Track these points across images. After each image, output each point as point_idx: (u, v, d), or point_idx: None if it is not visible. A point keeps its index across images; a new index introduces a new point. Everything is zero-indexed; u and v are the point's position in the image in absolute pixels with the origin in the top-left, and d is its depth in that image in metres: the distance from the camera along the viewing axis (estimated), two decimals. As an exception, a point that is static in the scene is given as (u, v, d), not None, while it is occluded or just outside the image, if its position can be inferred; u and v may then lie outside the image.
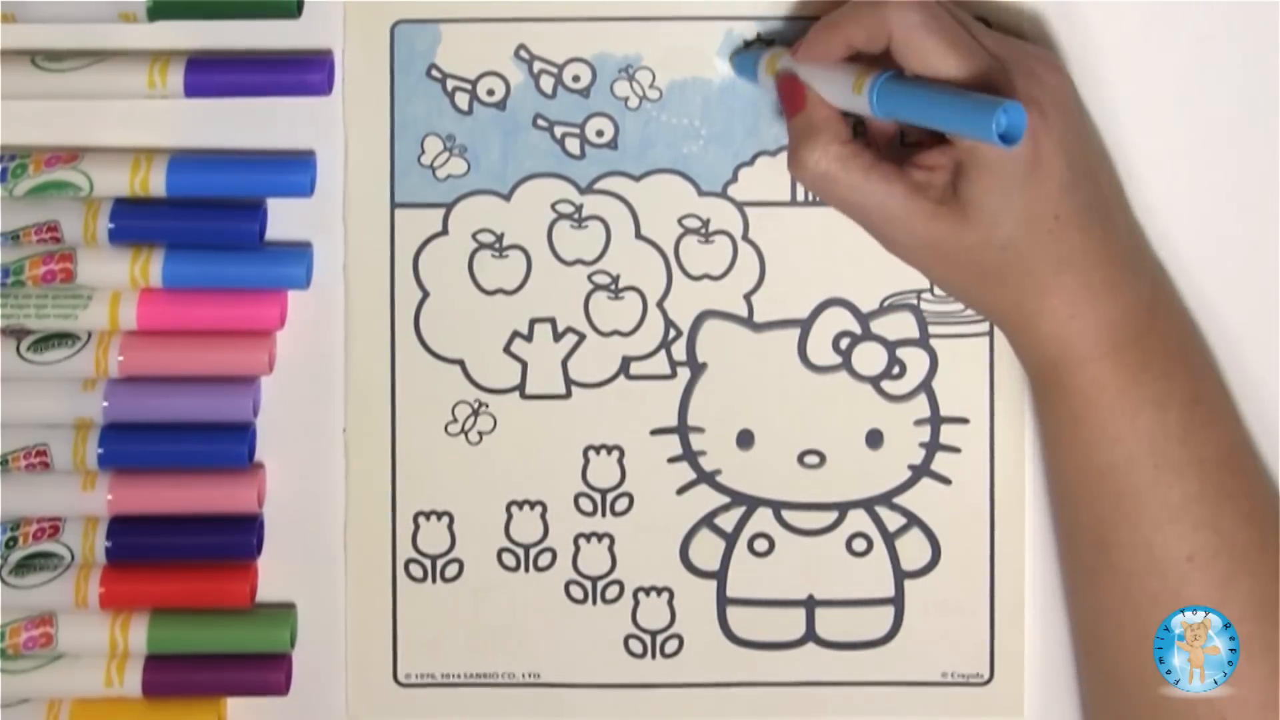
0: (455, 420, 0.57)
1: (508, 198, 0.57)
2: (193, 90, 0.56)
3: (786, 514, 0.57)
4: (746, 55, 0.56)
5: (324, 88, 0.56)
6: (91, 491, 0.56)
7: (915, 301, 0.57)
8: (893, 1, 0.51)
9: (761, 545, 0.58)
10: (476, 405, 0.57)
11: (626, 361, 0.57)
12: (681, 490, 0.57)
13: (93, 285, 0.56)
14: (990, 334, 0.57)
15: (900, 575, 0.57)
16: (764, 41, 0.57)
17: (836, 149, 0.52)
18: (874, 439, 0.57)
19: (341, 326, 0.57)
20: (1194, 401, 0.53)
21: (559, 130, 0.57)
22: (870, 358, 0.57)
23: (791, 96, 0.53)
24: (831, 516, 0.57)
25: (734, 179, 0.57)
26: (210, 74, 0.56)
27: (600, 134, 0.57)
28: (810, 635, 0.58)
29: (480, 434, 0.57)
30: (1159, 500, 0.52)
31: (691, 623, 0.57)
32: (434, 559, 0.57)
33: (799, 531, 0.57)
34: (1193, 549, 0.52)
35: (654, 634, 0.58)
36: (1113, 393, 0.52)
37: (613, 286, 0.57)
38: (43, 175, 0.56)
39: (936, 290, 0.57)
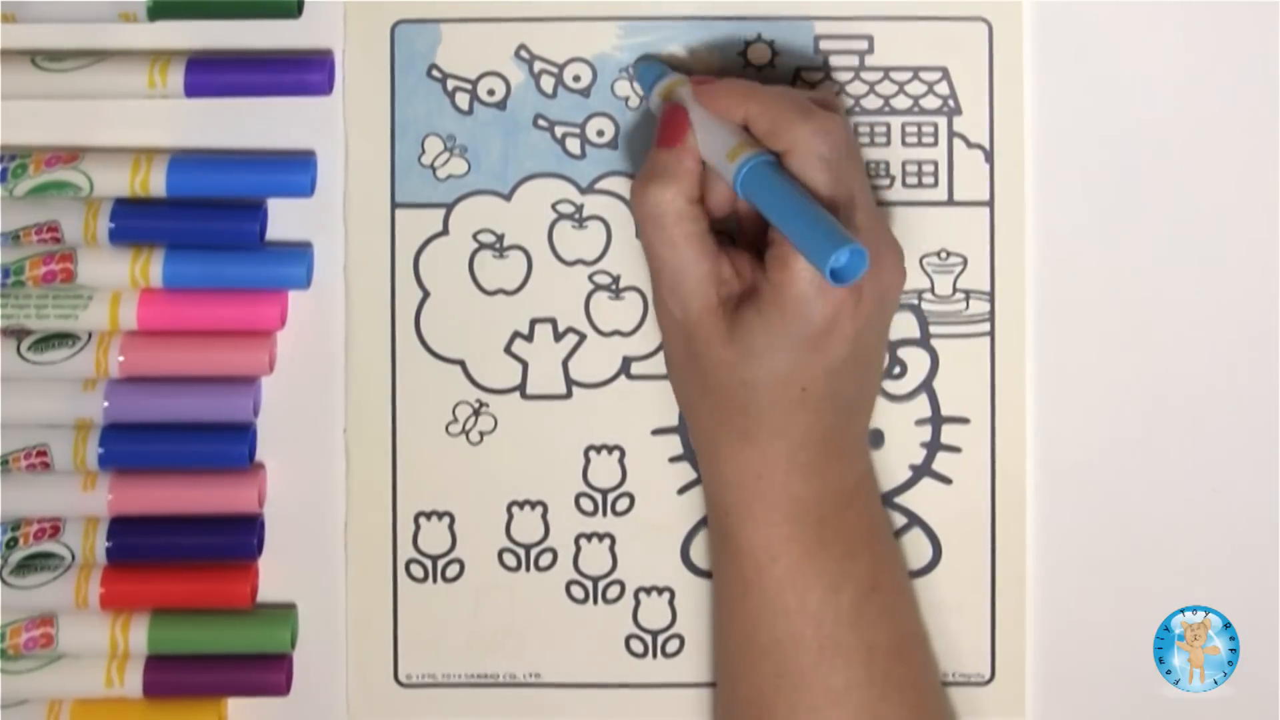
0: (456, 420, 0.57)
1: (508, 198, 0.57)
2: (193, 90, 0.56)
3: (787, 514, 0.57)
4: (650, 67, 0.56)
5: (324, 88, 0.56)
6: (92, 492, 0.56)
7: (916, 301, 0.57)
8: (815, 120, 0.50)
9: (762, 545, 0.58)
10: (477, 405, 0.57)
11: (627, 361, 0.57)
12: (683, 490, 0.57)
13: (93, 285, 0.56)
14: (991, 334, 0.57)
15: (901, 575, 0.57)
16: (669, 64, 0.56)
17: (681, 203, 0.51)
18: (875, 439, 0.57)
19: (342, 326, 0.57)
20: (870, 589, 0.53)
21: (559, 130, 0.57)
22: (871, 358, 0.57)
23: (672, 130, 0.52)
24: (832, 516, 0.57)
25: (735, 179, 0.57)
26: (210, 74, 0.56)
27: (601, 134, 0.57)
28: (811, 635, 0.58)
29: (481, 434, 0.57)
30: (821, 683, 0.52)
31: (693, 623, 0.57)
32: (435, 559, 0.57)
33: (800, 531, 0.57)
34: None
35: (655, 634, 0.58)
36: (784, 565, 0.52)
37: (613, 286, 0.57)
38: (43, 175, 0.56)
39: (938, 290, 0.57)
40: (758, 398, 0.51)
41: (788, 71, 0.57)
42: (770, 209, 0.49)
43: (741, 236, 0.54)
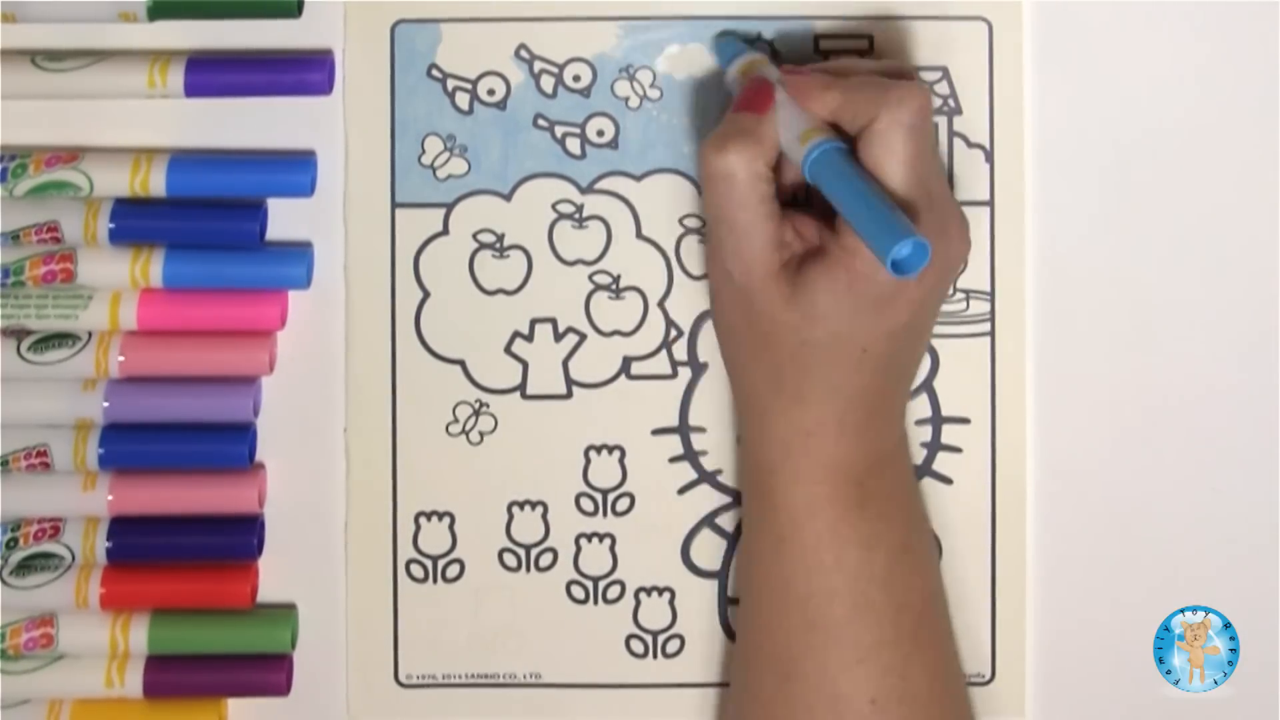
0: (456, 420, 0.57)
1: (508, 198, 0.57)
2: (193, 90, 0.56)
3: (787, 514, 0.57)
4: (729, 43, 0.56)
5: (324, 88, 0.56)
6: (92, 492, 0.56)
7: (916, 301, 0.57)
8: (895, 93, 0.50)
9: (762, 545, 0.58)
10: (477, 405, 0.57)
11: (627, 361, 0.57)
12: (683, 490, 0.57)
13: (93, 285, 0.56)
14: (992, 335, 0.57)
15: (901, 575, 0.57)
16: (750, 41, 0.56)
17: (758, 167, 0.51)
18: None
19: (342, 326, 0.57)
20: (903, 549, 0.53)
21: (559, 130, 0.57)
22: (871, 358, 0.57)
23: (759, 100, 0.52)
24: (832, 516, 0.57)
25: (735, 179, 0.57)
26: (210, 74, 0.56)
27: (601, 134, 0.57)
28: (811, 635, 0.58)
29: (481, 434, 0.57)
30: (852, 639, 0.52)
31: (693, 623, 0.57)
32: (435, 559, 0.57)
33: (800, 531, 0.57)
34: (877, 692, 0.52)
35: (655, 634, 0.58)
36: (823, 522, 0.52)
37: (614, 286, 0.57)
38: (43, 175, 0.56)
39: (938, 290, 0.57)
40: (818, 358, 0.51)
41: (788, 71, 0.57)
42: (836, 195, 0.50)
43: (810, 201, 0.54)
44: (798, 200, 0.53)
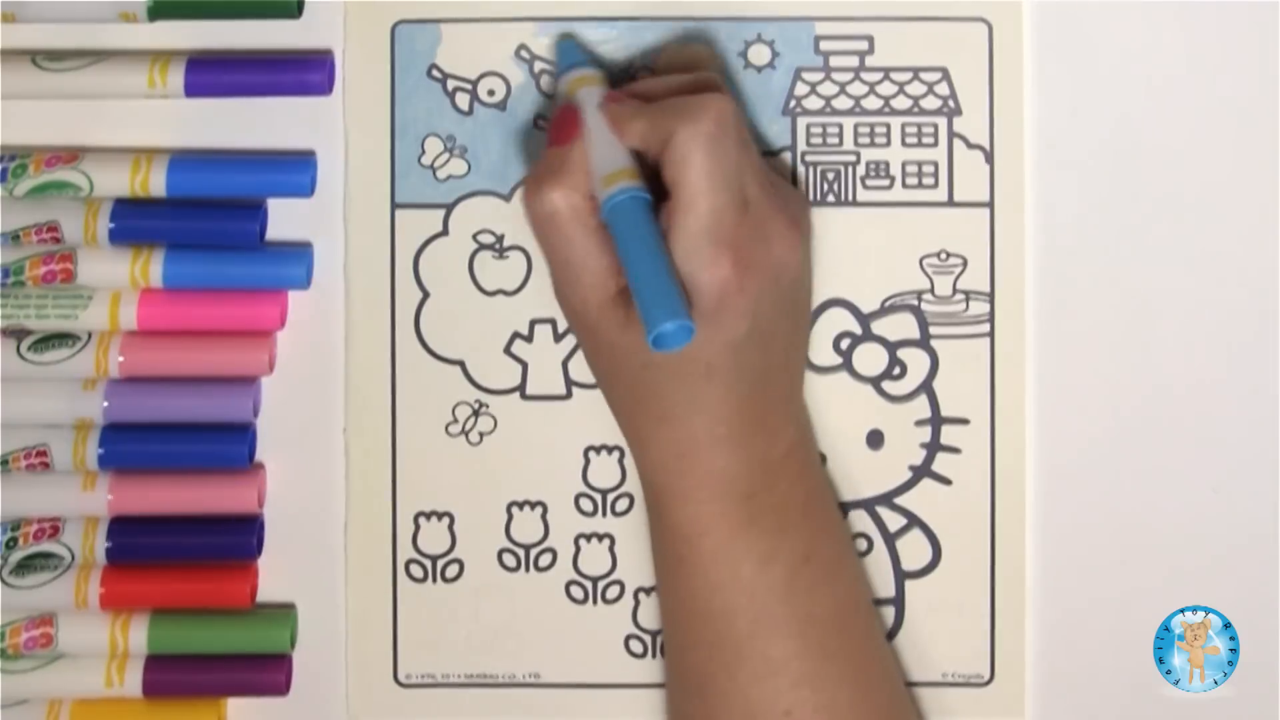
0: (455, 421, 0.57)
1: (508, 198, 0.57)
2: (193, 90, 0.56)
3: (787, 514, 0.57)
4: (569, 49, 0.56)
5: (324, 88, 0.56)
6: (91, 491, 0.56)
7: (916, 302, 0.57)
8: (684, 115, 0.50)
9: (762, 545, 0.58)
10: (477, 406, 0.57)
11: (627, 362, 0.57)
12: (682, 490, 0.57)
13: (93, 285, 0.56)
14: (991, 335, 0.57)
15: (901, 575, 0.57)
16: (589, 55, 0.56)
17: (576, 198, 0.51)
18: (874, 439, 0.57)
19: (341, 327, 0.57)
20: (803, 560, 0.53)
21: (559, 130, 0.57)
22: (871, 358, 0.57)
23: (563, 130, 0.52)
24: (832, 517, 0.57)
25: (734, 179, 0.57)
26: (210, 74, 0.56)
27: (601, 134, 0.57)
28: (811, 635, 0.58)
29: (481, 434, 0.57)
30: (758, 654, 0.52)
31: (692, 623, 0.57)
32: (434, 559, 0.57)
33: (799, 532, 0.57)
34: (790, 704, 0.52)
35: (655, 634, 0.57)
36: (714, 540, 0.52)
37: (613, 287, 0.57)
38: (43, 175, 0.56)
39: (938, 291, 0.57)
40: (664, 378, 0.51)
41: (788, 71, 0.57)
42: (622, 246, 0.50)
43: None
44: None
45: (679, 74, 0.54)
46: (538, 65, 0.57)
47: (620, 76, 0.57)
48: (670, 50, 0.56)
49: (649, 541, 0.57)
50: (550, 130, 0.53)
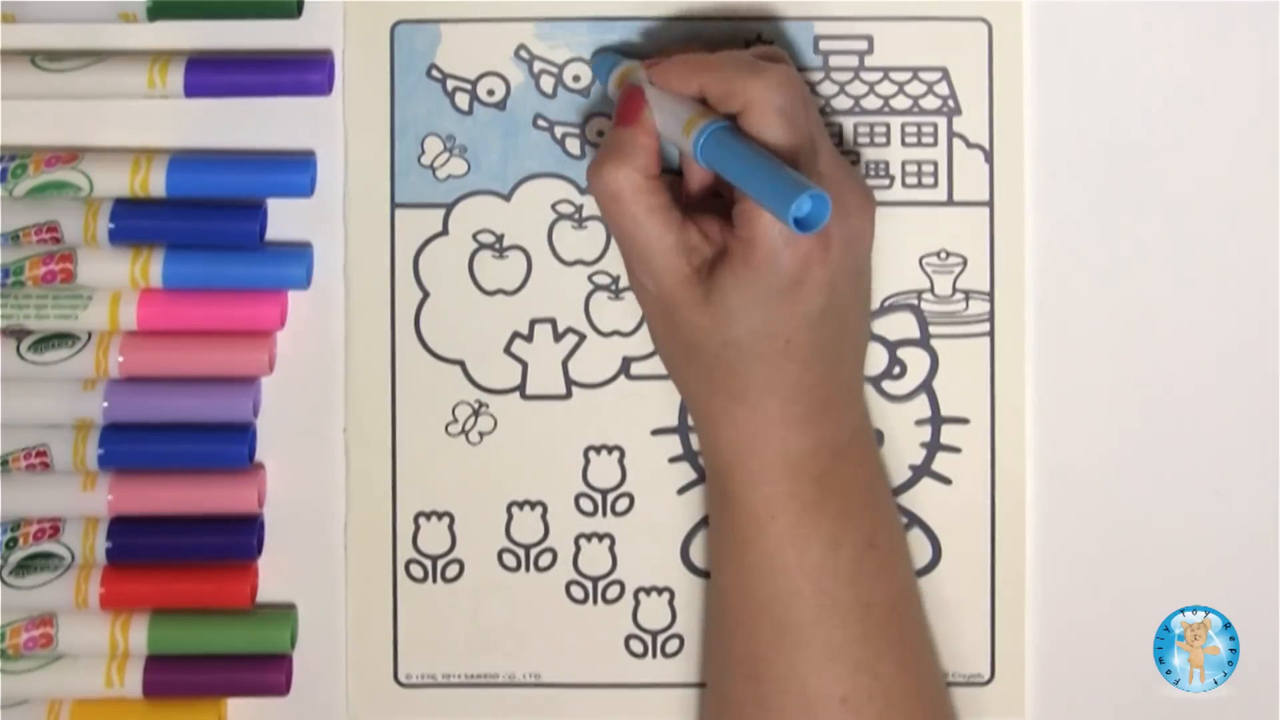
0: (455, 420, 0.57)
1: (508, 198, 0.57)
2: (193, 90, 0.56)
3: (787, 514, 0.57)
4: (605, 58, 0.56)
5: (324, 88, 0.56)
6: (91, 492, 0.56)
7: (916, 302, 0.57)
8: (766, 75, 0.50)
9: (762, 545, 0.58)
10: (477, 405, 0.57)
11: (627, 362, 0.57)
12: (682, 490, 0.57)
13: (93, 285, 0.56)
14: (991, 335, 0.57)
15: (901, 575, 0.57)
16: (623, 52, 0.56)
17: (638, 178, 0.51)
18: (875, 439, 0.57)
19: (341, 326, 0.57)
20: (868, 545, 0.53)
21: (559, 130, 0.57)
22: (871, 358, 0.57)
23: (630, 110, 0.53)
24: (832, 516, 0.57)
25: (734, 179, 0.57)
26: (210, 74, 0.56)
27: (601, 134, 0.57)
28: (811, 635, 0.58)
29: (481, 434, 0.57)
30: (820, 639, 0.52)
31: (692, 623, 0.57)
32: (434, 559, 0.57)
33: (799, 531, 0.57)
34: (848, 691, 0.52)
35: (655, 634, 0.58)
36: (784, 522, 0.52)
37: (613, 286, 0.57)
38: (43, 175, 0.56)
39: (937, 290, 0.57)
40: (743, 356, 0.51)
41: (787, 71, 0.57)
42: (730, 170, 0.49)
43: (718, 203, 0.54)
44: (710, 202, 0.53)
45: (745, 50, 0.54)
46: (537, 65, 0.57)
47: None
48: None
49: (649, 542, 0.57)
50: (616, 112, 0.53)
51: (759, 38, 0.57)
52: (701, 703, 0.57)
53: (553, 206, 0.57)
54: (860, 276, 0.53)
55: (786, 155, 0.49)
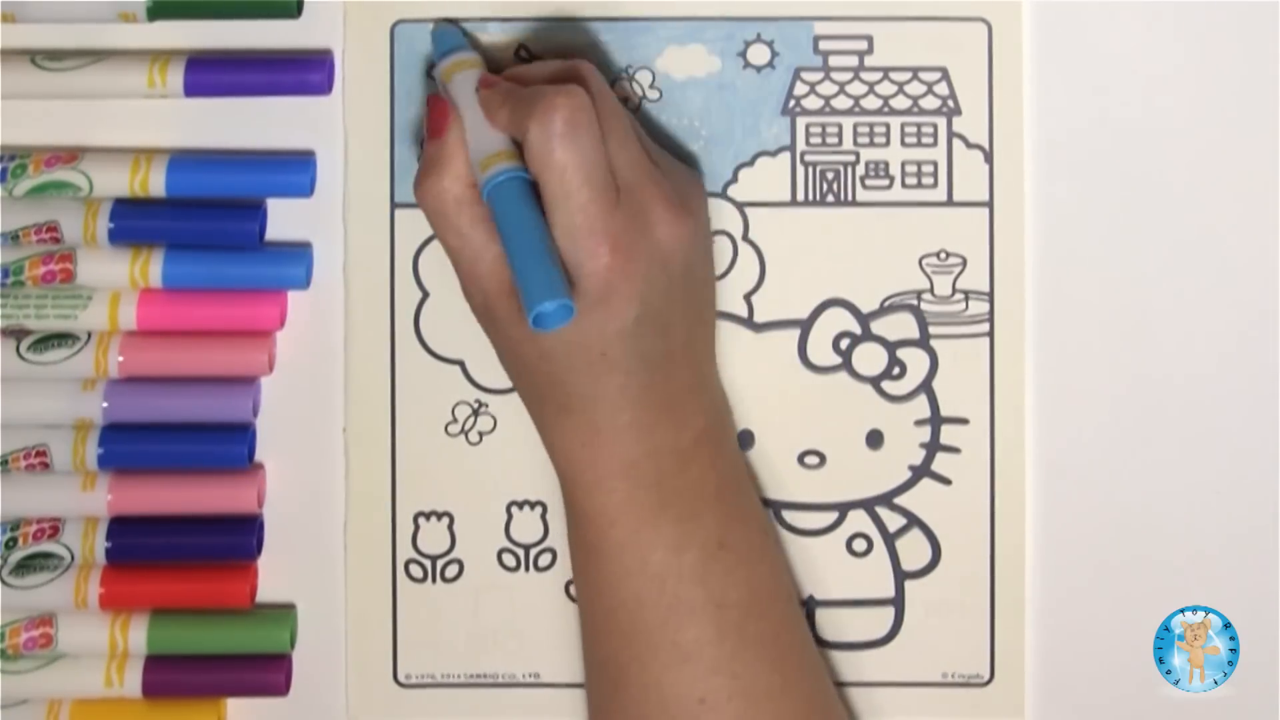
0: (455, 420, 0.57)
1: (508, 198, 0.57)
2: (193, 90, 0.56)
3: (786, 514, 0.57)
4: (446, 34, 0.55)
5: (324, 88, 0.56)
6: (91, 492, 0.56)
7: (915, 302, 0.57)
8: (542, 104, 0.50)
9: (762, 545, 0.57)
10: (476, 405, 0.57)
11: (627, 362, 0.57)
12: (682, 490, 0.57)
13: (93, 285, 0.56)
14: (991, 335, 0.57)
15: (900, 576, 0.57)
16: (467, 41, 0.56)
17: (458, 189, 0.51)
18: (874, 439, 0.57)
19: (341, 326, 0.57)
20: (718, 546, 0.52)
21: (559, 130, 0.57)
22: (870, 358, 0.57)
23: (436, 123, 0.52)
24: (831, 517, 0.57)
25: (734, 179, 0.57)
26: (210, 74, 0.56)
27: (600, 134, 0.57)
28: (810, 635, 0.58)
29: (480, 434, 0.57)
30: (669, 641, 0.52)
31: (692, 623, 0.57)
32: (434, 559, 0.57)
33: (799, 532, 0.57)
34: (705, 692, 0.51)
35: (654, 634, 0.57)
36: (623, 528, 0.52)
37: (613, 287, 0.57)
38: (43, 175, 0.56)
39: (937, 290, 0.57)
40: (561, 368, 0.51)
41: (787, 71, 0.57)
42: (503, 231, 0.50)
43: None
44: None
45: (550, 61, 0.54)
46: (537, 65, 0.57)
47: (502, 60, 0.57)
48: (544, 33, 0.56)
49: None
50: (427, 122, 0.53)
51: (758, 37, 0.57)
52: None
53: (552, 206, 0.57)
54: (678, 285, 0.52)
55: (568, 187, 0.49)
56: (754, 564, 0.54)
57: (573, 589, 0.57)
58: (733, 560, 0.53)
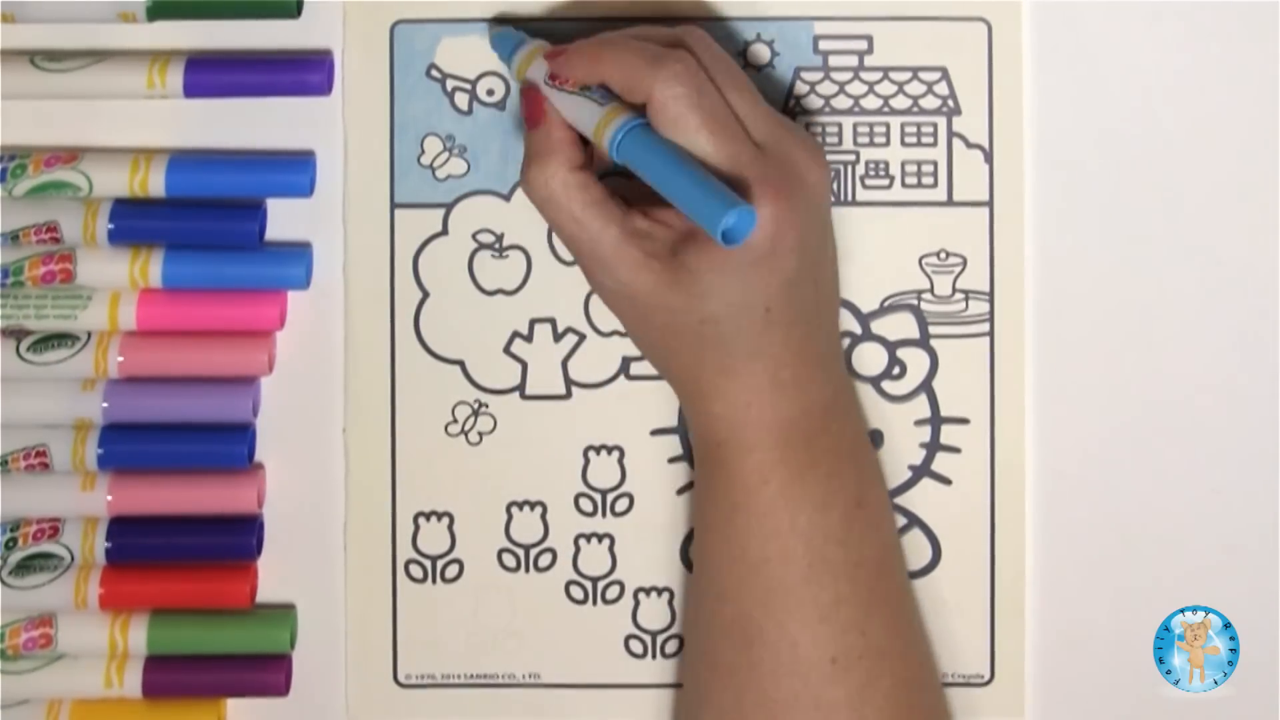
0: (455, 420, 0.57)
1: (508, 198, 0.57)
2: (192, 90, 0.56)
3: (787, 514, 0.57)
4: (505, 36, 0.55)
5: (324, 88, 0.56)
6: (91, 492, 0.56)
7: (915, 302, 0.57)
8: (663, 67, 0.50)
9: (762, 545, 0.58)
10: (476, 405, 0.57)
11: (626, 362, 0.57)
12: (682, 490, 0.57)
13: (92, 285, 0.56)
14: (991, 334, 0.57)
15: (900, 575, 0.57)
16: (525, 28, 0.56)
17: (564, 175, 0.51)
18: (874, 439, 0.57)
19: (341, 326, 0.57)
20: (857, 505, 0.53)
21: (559, 130, 0.57)
22: (870, 358, 0.57)
23: (531, 111, 0.52)
24: (832, 517, 0.57)
25: (734, 179, 0.57)
26: (210, 74, 0.56)
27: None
28: (810, 635, 0.58)
29: (480, 434, 0.57)
30: (810, 600, 0.52)
31: (692, 623, 0.57)
32: (434, 559, 0.57)
33: (799, 532, 0.57)
34: (838, 651, 0.52)
35: (654, 634, 0.58)
36: (775, 486, 0.52)
37: (613, 287, 0.57)
38: (42, 175, 0.56)
39: (937, 290, 0.57)
40: (725, 330, 0.51)
41: (787, 71, 0.57)
42: (650, 175, 0.49)
43: None
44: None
45: (655, 28, 0.53)
46: (537, 65, 0.57)
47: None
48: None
49: (648, 542, 0.57)
50: (524, 115, 0.53)
51: (758, 37, 0.57)
52: (682, 673, 0.56)
53: (552, 206, 0.57)
54: (826, 230, 0.53)
55: (706, 149, 0.49)
56: (883, 523, 0.54)
57: (573, 589, 0.57)
58: (868, 519, 0.53)
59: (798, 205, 0.50)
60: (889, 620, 0.53)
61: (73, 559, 0.56)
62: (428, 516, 0.57)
